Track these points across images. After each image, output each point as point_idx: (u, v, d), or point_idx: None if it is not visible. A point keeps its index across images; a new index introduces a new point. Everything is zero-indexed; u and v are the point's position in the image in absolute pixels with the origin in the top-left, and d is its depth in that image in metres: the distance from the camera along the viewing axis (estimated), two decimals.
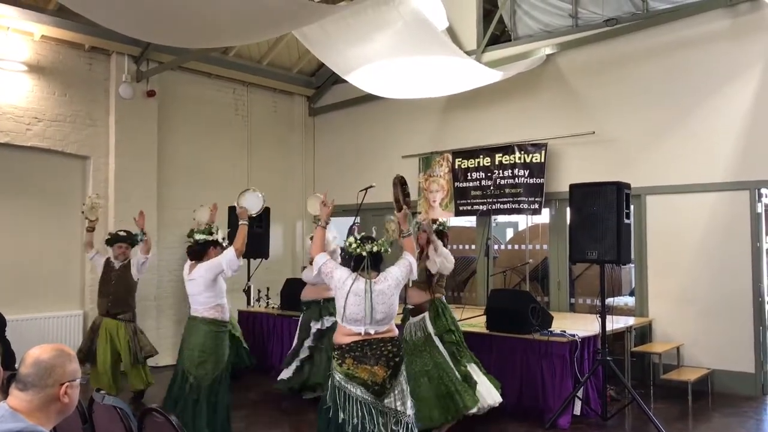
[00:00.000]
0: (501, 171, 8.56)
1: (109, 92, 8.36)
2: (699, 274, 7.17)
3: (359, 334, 4.01)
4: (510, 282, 8.86)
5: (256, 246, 8.61)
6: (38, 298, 7.72)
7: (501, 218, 9.69)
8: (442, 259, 5.49)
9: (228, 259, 4.88)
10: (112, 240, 6.80)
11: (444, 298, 5.72)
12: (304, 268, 7.16)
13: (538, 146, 8.27)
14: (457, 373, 5.33)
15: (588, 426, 5.83)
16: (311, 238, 5.15)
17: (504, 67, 8.31)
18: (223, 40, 7.18)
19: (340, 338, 4.10)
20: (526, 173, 8.33)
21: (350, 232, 6.02)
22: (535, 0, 8.64)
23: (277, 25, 6.47)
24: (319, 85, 10.87)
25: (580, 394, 5.87)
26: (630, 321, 7.20)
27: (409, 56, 7.49)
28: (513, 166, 8.45)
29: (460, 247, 9.59)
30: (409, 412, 4.07)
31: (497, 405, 5.50)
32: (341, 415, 3.91)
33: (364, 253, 4.09)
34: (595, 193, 5.81)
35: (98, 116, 8.31)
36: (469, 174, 8.90)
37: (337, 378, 4.00)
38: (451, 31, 9.04)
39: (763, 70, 6.93)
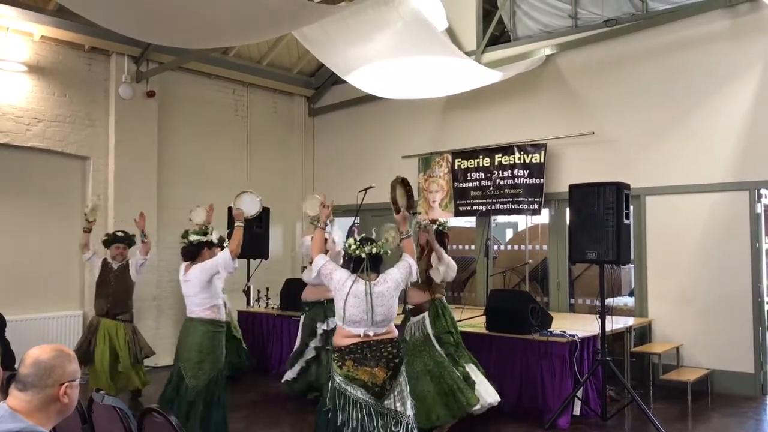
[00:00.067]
0: (501, 171, 8.56)
1: (109, 93, 8.37)
2: (698, 274, 7.18)
3: (359, 335, 4.01)
4: (509, 282, 8.87)
5: (256, 246, 8.63)
6: (38, 298, 7.72)
7: (500, 219, 9.69)
8: (446, 268, 5.49)
9: (223, 260, 4.88)
10: (110, 241, 6.78)
11: (444, 298, 5.72)
12: (304, 268, 7.15)
13: (537, 147, 8.28)
14: (456, 371, 5.33)
15: (587, 426, 5.83)
16: (311, 239, 5.14)
17: (504, 67, 8.31)
18: (223, 40, 7.18)
19: (339, 340, 4.10)
20: (526, 174, 8.33)
21: (350, 233, 6.03)
22: (534, 1, 8.64)
23: (277, 25, 6.47)
24: (319, 86, 10.88)
25: (579, 394, 5.87)
26: (629, 321, 7.20)
27: (408, 57, 7.49)
28: (513, 166, 8.45)
29: (460, 247, 9.59)
30: (409, 412, 4.07)
31: (496, 404, 5.51)
32: (340, 417, 3.91)
33: (363, 255, 4.08)
34: (595, 193, 5.81)
35: (98, 117, 8.31)
36: (468, 174, 8.90)
37: (338, 380, 4.00)
38: (450, 32, 9.05)
39: (762, 70, 6.94)
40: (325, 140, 10.87)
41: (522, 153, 8.39)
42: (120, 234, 6.83)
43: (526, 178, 8.33)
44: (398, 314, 4.39)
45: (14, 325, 6.94)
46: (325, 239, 5.74)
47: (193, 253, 5.08)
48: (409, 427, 4.04)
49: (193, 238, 5.10)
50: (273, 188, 10.07)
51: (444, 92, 8.42)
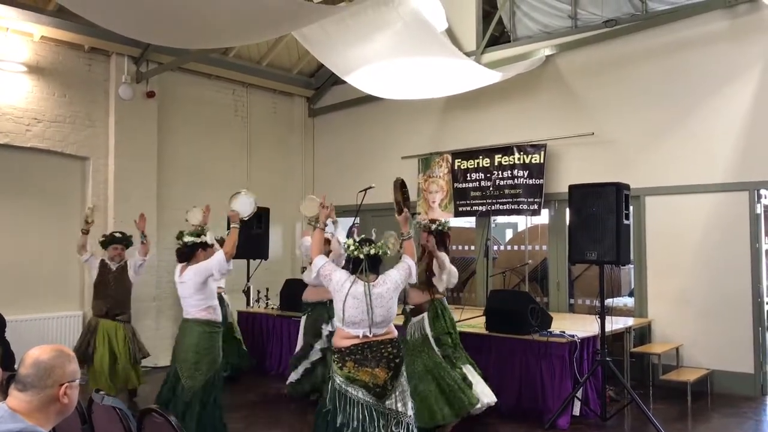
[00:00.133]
0: (500, 172, 8.56)
1: (109, 93, 8.37)
2: (698, 274, 7.18)
3: (358, 336, 4.00)
4: (509, 283, 8.87)
5: (256, 246, 8.63)
6: (38, 298, 7.72)
7: (500, 219, 9.69)
8: (447, 276, 5.49)
9: (217, 261, 4.86)
10: (107, 242, 6.76)
11: (444, 299, 5.71)
12: (304, 269, 7.15)
13: (537, 147, 8.28)
14: (455, 372, 5.34)
15: (587, 426, 5.83)
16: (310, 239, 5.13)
17: (503, 68, 8.32)
18: (222, 40, 7.19)
19: (339, 341, 4.10)
20: (526, 174, 8.33)
21: (350, 234, 6.02)
22: (534, 1, 8.64)
23: (276, 26, 6.48)
24: (319, 86, 10.88)
25: (579, 394, 5.87)
26: (629, 322, 7.20)
27: (408, 57, 7.49)
28: (512, 166, 8.45)
29: (460, 247, 9.59)
30: (410, 412, 4.07)
31: (493, 404, 5.51)
32: (340, 418, 3.91)
33: (362, 256, 4.07)
34: (595, 193, 5.81)
35: (98, 117, 8.31)
36: (468, 175, 8.90)
37: (338, 381, 4.00)
38: (450, 32, 9.05)
39: (762, 70, 6.94)
40: (325, 140, 10.87)
41: (522, 153, 8.39)
42: (118, 235, 6.81)
43: (525, 178, 8.33)
44: (398, 314, 4.38)
45: (14, 326, 6.95)
46: (329, 240, 5.75)
47: (187, 254, 5.07)
48: (410, 427, 4.03)
49: (187, 239, 5.08)
50: (273, 188, 10.08)
51: (444, 93, 8.43)
